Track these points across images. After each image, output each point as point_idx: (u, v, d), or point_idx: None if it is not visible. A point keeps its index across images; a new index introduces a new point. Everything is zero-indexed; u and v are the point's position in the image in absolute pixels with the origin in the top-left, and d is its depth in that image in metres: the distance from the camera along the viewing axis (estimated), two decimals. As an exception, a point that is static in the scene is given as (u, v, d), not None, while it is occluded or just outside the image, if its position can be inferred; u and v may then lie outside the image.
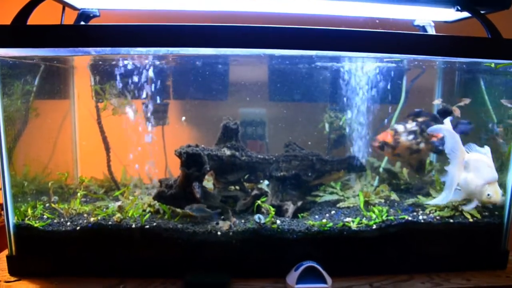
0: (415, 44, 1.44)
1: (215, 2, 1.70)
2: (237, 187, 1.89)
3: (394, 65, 2.00)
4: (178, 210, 1.68)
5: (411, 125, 1.93)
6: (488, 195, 1.59)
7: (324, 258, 1.53)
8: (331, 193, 1.91)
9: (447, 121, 1.76)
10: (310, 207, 1.82)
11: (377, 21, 1.74)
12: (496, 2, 1.59)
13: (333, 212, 1.76)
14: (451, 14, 1.72)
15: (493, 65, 1.72)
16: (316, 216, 1.71)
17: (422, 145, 1.90)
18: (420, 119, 1.94)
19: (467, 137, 1.75)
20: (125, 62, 1.90)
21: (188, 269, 1.53)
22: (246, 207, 1.77)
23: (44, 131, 2.00)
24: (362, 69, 2.01)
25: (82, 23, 1.76)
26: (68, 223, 1.60)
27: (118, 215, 1.62)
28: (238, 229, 1.57)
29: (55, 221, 1.63)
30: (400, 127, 1.94)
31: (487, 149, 1.65)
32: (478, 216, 1.68)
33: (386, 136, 1.96)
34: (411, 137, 1.90)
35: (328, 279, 1.46)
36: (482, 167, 1.60)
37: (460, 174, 1.63)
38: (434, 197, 1.87)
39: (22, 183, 1.75)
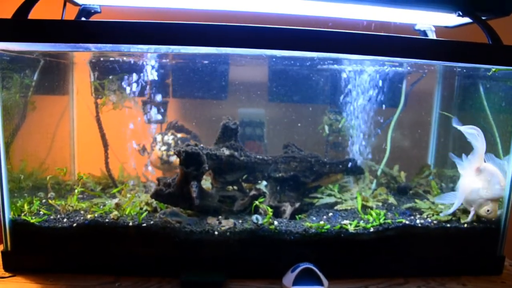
0: (416, 48, 1.44)
1: (218, 1, 1.70)
2: (235, 187, 1.88)
3: (394, 68, 2.00)
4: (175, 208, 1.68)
5: (168, 137, 1.99)
6: (488, 211, 1.62)
7: (321, 260, 1.53)
8: (329, 195, 1.91)
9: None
10: (307, 208, 1.82)
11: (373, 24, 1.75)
12: (497, 9, 1.60)
13: (330, 214, 1.76)
14: (452, 19, 1.73)
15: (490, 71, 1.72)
16: (314, 218, 1.71)
17: (173, 158, 1.95)
18: (179, 134, 2.02)
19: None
20: (125, 59, 1.89)
21: (184, 268, 1.52)
22: (244, 207, 1.77)
23: (42, 126, 1.98)
24: (362, 72, 2.01)
25: (83, 19, 1.75)
26: (65, 220, 1.59)
27: (115, 212, 1.61)
28: (235, 229, 1.56)
29: (52, 217, 1.62)
30: (159, 137, 2.00)
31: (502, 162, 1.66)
32: (475, 221, 1.68)
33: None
34: (164, 148, 1.96)
35: (325, 281, 1.46)
36: (494, 182, 1.61)
37: (471, 183, 1.65)
38: (431, 201, 1.88)
39: (19, 178, 1.74)
